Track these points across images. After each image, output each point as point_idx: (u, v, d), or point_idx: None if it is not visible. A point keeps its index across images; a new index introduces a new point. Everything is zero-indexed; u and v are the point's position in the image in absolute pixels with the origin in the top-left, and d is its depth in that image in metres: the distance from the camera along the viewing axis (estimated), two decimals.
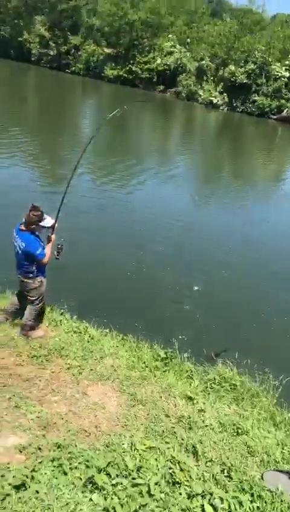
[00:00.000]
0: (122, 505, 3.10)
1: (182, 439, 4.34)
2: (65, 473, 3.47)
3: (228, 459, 4.13)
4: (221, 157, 26.68)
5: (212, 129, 37.62)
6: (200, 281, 9.56)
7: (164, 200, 15.19)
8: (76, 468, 3.53)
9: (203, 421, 4.71)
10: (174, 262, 10.22)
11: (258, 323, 8.20)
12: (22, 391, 4.68)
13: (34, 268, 5.37)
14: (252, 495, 3.60)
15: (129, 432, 4.40)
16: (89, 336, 6.04)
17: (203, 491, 3.34)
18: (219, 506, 3.22)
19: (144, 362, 5.79)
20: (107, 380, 5.19)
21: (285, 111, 43.46)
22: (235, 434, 4.63)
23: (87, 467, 3.56)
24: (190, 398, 5.12)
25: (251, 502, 3.48)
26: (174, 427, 4.56)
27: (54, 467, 3.51)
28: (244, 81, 44.62)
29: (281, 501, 3.59)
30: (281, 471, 4.22)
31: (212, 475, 3.82)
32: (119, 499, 3.16)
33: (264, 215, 16.43)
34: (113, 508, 3.09)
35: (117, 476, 3.48)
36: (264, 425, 4.89)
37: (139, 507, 3.12)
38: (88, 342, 5.96)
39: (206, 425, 4.64)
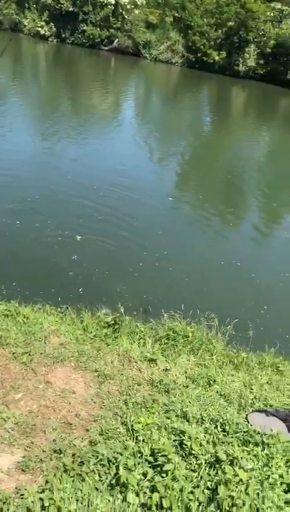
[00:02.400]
0: (163, 498, 2.94)
1: (166, 405, 4.27)
2: (83, 479, 3.15)
3: (216, 414, 4.18)
4: (57, 93, 24.51)
5: (43, 62, 34.50)
6: (78, 228, 9.10)
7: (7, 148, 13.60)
8: (92, 471, 3.23)
9: (174, 381, 4.69)
10: (46, 215, 9.51)
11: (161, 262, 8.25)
12: None
13: None
14: (257, 444, 3.72)
15: (110, 411, 4.17)
16: (24, 317, 5.46)
17: (227, 457, 3.33)
18: (248, 467, 3.26)
19: (91, 332, 5.48)
20: (63, 361, 4.80)
21: (115, 41, 41.99)
22: (208, 386, 4.72)
23: (102, 465, 3.28)
24: (151, 360, 5.03)
25: (262, 450, 3.60)
26: (151, 395, 4.45)
27: (70, 476, 3.16)
28: (70, 9, 41.18)
29: (282, 442, 3.79)
30: (259, 411, 4.46)
31: (214, 435, 3.85)
32: (157, 492, 2.98)
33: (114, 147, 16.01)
34: (157, 504, 2.91)
35: (135, 466, 3.27)
36: (227, 371, 5.07)
37: (180, 492, 3.00)
38: (24, 323, 5.39)
39: (179, 385, 4.62)
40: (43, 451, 3.49)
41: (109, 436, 3.74)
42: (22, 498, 2.94)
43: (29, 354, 4.81)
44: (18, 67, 28.80)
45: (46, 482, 3.09)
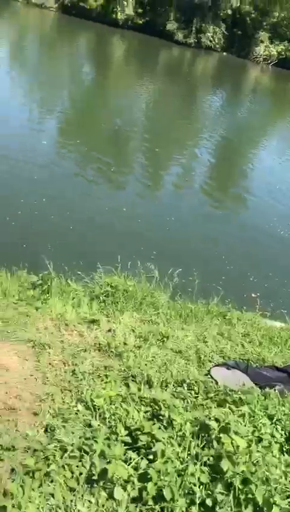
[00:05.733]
0: (162, 487, 2.35)
1: (122, 371, 3.65)
2: (52, 480, 2.43)
3: (178, 374, 3.68)
4: None
5: None
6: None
7: None
8: (61, 467, 2.51)
9: (124, 343, 4.07)
10: None
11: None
12: None
13: None
14: (235, 403, 3.30)
15: (57, 386, 3.44)
16: None
17: (219, 423, 2.83)
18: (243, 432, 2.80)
19: (14, 296, 4.58)
20: None
21: None
22: (161, 344, 4.18)
23: (72, 457, 2.58)
24: (92, 322, 4.34)
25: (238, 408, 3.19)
26: (101, 361, 3.80)
27: (33, 479, 2.41)
28: None
29: (258, 395, 3.43)
30: (220, 365, 4.08)
31: (187, 399, 3.35)
32: (150, 481, 2.39)
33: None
34: (154, 497, 2.32)
35: (126, 452, 2.63)
36: (176, 325, 4.57)
37: (180, 476, 2.44)
38: None
39: (130, 346, 4.02)
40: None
41: (66, 418, 3.02)
42: None
43: None
44: None
45: (4, 493, 2.31)
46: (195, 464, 2.55)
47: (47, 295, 4.55)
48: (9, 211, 6.81)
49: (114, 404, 3.15)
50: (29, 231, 6.14)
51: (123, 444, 2.70)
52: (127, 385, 3.47)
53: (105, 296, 4.70)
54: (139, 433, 2.72)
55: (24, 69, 19.91)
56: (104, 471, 2.37)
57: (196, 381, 3.59)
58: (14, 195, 7.30)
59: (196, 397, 3.43)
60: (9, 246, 5.69)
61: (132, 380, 3.50)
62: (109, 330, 4.26)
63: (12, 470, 2.50)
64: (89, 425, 2.98)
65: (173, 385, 3.56)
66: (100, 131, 13.18)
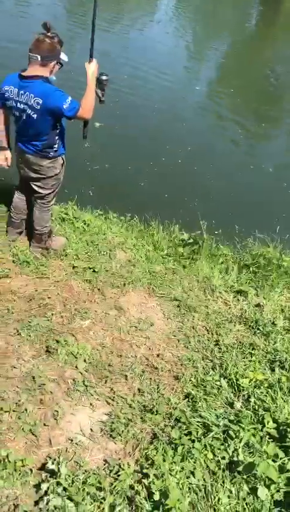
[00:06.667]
0: None
1: (268, 353, 3.38)
2: (193, 458, 2.31)
3: None
4: None
5: None
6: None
7: None
8: (204, 446, 2.38)
9: (272, 322, 3.76)
10: None
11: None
12: (34, 320, 3.19)
13: (56, 139, 3.37)
14: None
15: (199, 352, 3.30)
16: (84, 223, 4.44)
17: None
18: None
19: (163, 250, 4.49)
20: (135, 283, 3.87)
21: None
22: None
23: (216, 439, 2.44)
24: (240, 292, 4.08)
25: None
26: (246, 337, 3.56)
27: (175, 452, 2.32)
28: None
29: None
30: None
31: None
32: None
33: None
34: None
35: (262, 447, 2.42)
36: None
37: None
38: (85, 231, 4.39)
39: (278, 327, 3.70)
40: (129, 406, 2.65)
41: (208, 391, 2.88)
42: (118, 480, 2.12)
43: (94, 270, 3.87)
44: None
45: (146, 458, 2.26)
46: None
47: (196, 255, 4.38)
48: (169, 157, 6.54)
49: (259, 389, 2.93)
50: (176, 183, 5.89)
51: (271, 439, 2.48)
52: (273, 369, 3.22)
53: (256, 267, 4.38)
54: (289, 430, 2.47)
55: (187, 12, 19.15)
56: (250, 465, 2.18)
57: None
58: (165, 140, 7.00)
59: None
60: (158, 197, 5.55)
61: (280, 366, 3.22)
62: (257, 305, 3.98)
63: (154, 435, 2.44)
64: (231, 405, 2.81)
65: None
66: (257, 81, 12.11)
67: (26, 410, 2.44)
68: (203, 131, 7.95)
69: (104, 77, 3.33)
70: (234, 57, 14.61)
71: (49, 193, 3.64)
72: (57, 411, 2.47)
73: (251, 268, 4.37)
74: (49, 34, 3.04)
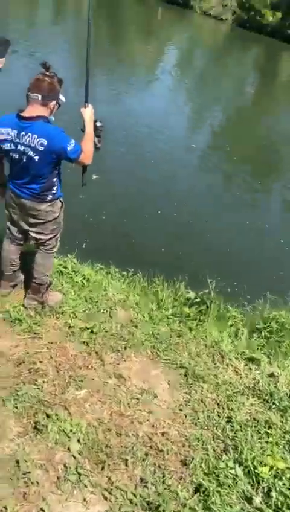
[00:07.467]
0: None
1: (285, 433, 2.97)
2: None
3: None
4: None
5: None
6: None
7: None
8: None
9: (288, 396, 3.36)
10: None
11: None
12: (22, 388, 2.81)
13: (55, 181, 3.16)
14: None
15: (208, 430, 2.89)
16: (83, 277, 4.14)
17: None
18: None
19: (168, 310, 4.16)
20: (137, 346, 3.51)
21: None
22: None
23: None
24: (251, 360, 3.71)
25: None
26: (261, 412, 3.15)
27: None
28: None
29: None
30: None
31: None
32: None
33: None
34: None
35: None
36: None
37: None
38: (84, 286, 4.07)
39: None
40: (130, 501, 2.22)
41: (221, 482, 2.46)
42: None
43: (92, 331, 3.52)
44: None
45: None
46: None
47: (204, 316, 4.05)
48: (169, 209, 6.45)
49: (281, 480, 2.51)
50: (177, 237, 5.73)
51: None
52: None
53: (268, 331, 4.04)
54: None
55: (187, 78, 19.89)
56: None
57: None
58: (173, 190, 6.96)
59: None
60: (157, 249, 5.31)
61: None
62: (271, 375, 3.60)
63: None
64: (249, 500, 2.38)
65: None
66: (252, 144, 12.31)
67: (6, 508, 2.01)
68: (201, 189, 7.95)
69: (98, 123, 3.22)
70: (229, 122, 15.02)
71: (50, 238, 3.38)
72: (43, 510, 2.05)
73: (262, 333, 4.03)
74: (48, 73, 2.94)
